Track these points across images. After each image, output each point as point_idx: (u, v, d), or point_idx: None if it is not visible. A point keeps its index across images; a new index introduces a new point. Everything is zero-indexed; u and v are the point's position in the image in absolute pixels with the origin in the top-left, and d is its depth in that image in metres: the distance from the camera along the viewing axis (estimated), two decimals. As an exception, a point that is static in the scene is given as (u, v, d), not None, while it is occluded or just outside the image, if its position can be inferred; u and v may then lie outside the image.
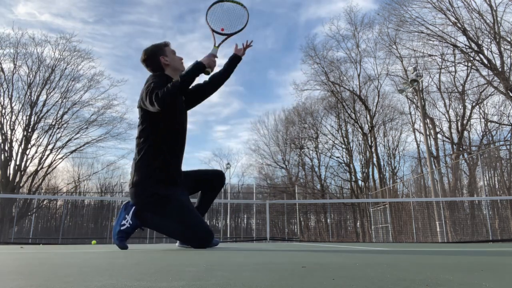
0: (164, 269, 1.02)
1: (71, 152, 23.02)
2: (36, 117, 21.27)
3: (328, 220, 19.73)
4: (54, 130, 21.84)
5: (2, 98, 20.68)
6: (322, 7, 37.40)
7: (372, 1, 37.97)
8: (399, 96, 21.65)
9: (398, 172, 24.58)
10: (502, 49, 16.52)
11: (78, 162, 26.98)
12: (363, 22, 24.59)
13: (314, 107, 26.79)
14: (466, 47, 17.67)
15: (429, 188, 16.23)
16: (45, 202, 21.89)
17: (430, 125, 20.67)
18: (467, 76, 19.18)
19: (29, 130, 20.99)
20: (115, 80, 25.26)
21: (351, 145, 25.71)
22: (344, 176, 26.09)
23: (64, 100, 22.09)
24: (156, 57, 2.71)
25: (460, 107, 20.10)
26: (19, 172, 20.45)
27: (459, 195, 15.90)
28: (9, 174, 20.12)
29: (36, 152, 21.41)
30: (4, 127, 20.57)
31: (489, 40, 16.98)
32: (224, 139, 47.47)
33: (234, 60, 2.97)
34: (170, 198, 2.54)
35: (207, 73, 2.63)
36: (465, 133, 19.98)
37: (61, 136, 22.21)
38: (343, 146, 25.89)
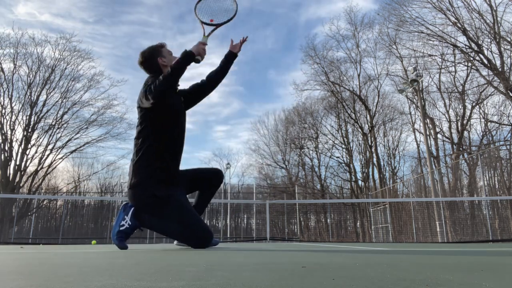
0: (164, 269, 1.02)
1: (71, 152, 23.05)
2: (36, 117, 21.29)
3: (328, 220, 19.74)
4: (54, 130, 21.87)
5: (2, 98, 20.71)
6: (322, 7, 37.42)
7: (372, 1, 37.98)
8: (399, 96, 21.67)
9: (398, 172, 24.61)
10: (502, 49, 16.53)
11: (78, 162, 27.00)
12: (363, 22, 24.61)
13: (314, 107, 26.82)
14: (466, 47, 17.68)
15: (429, 188, 16.24)
16: (45, 202, 21.89)
17: (430, 125, 20.68)
18: (467, 76, 19.21)
19: (29, 130, 21.00)
20: (115, 80, 25.27)
21: (351, 145, 25.74)
22: (344, 176, 26.13)
23: (64, 100, 22.11)
24: (154, 59, 2.71)
25: (460, 107, 20.12)
26: (19, 172, 20.45)
27: (459, 195, 15.90)
28: (9, 174, 20.12)
29: (36, 152, 21.45)
30: (4, 127, 20.59)
31: (489, 40, 17.00)
32: (224, 139, 47.48)
33: (230, 57, 2.97)
34: (170, 198, 2.53)
35: (197, 61, 2.61)
36: (465, 133, 20.00)
37: (61, 136, 22.24)
38: (343, 146, 25.91)
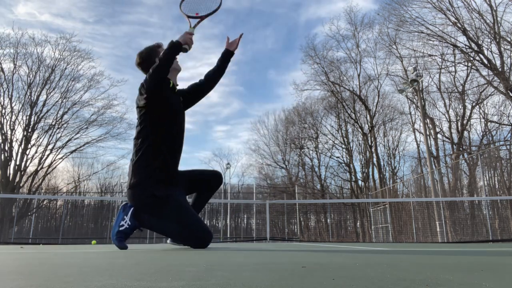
0: (164, 269, 1.02)
1: (71, 152, 23.05)
2: (36, 117, 21.29)
3: (328, 220, 19.74)
4: (54, 130, 21.87)
5: (2, 98, 20.71)
6: (322, 7, 37.44)
7: (372, 1, 37.98)
8: (399, 96, 21.67)
9: (398, 172, 24.61)
10: (502, 49, 16.53)
11: (78, 162, 27.01)
12: (363, 22, 24.63)
13: (314, 107, 26.83)
14: (466, 47, 17.68)
15: (429, 188, 16.24)
16: (45, 202, 21.89)
17: (430, 125, 20.68)
18: (467, 76, 19.22)
19: (29, 130, 21.00)
20: (115, 80, 25.26)
21: (351, 145, 25.74)
22: (344, 176, 26.13)
23: (64, 100, 22.12)
24: (151, 59, 2.70)
25: (460, 107, 20.13)
26: (19, 172, 20.45)
27: (459, 195, 15.90)
28: (9, 174, 20.12)
29: (36, 152, 21.45)
30: (4, 127, 20.59)
31: (489, 40, 17.01)
32: (224, 139, 47.50)
33: (227, 55, 2.97)
34: (169, 198, 2.53)
35: (185, 51, 2.61)
36: (465, 133, 20.00)
37: (61, 136, 22.24)
38: (343, 146, 25.91)
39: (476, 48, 17.13)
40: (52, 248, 3.88)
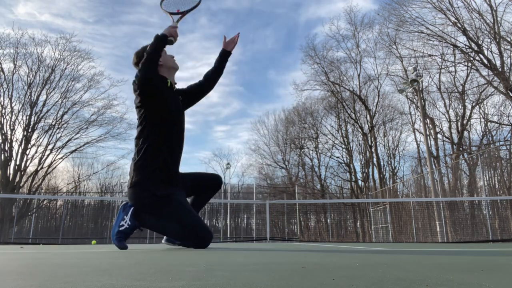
0: (164, 269, 1.02)
1: (71, 152, 23.05)
2: (36, 117, 21.28)
3: (328, 220, 19.74)
4: (54, 130, 21.86)
5: (2, 98, 20.70)
6: (322, 7, 37.46)
7: (372, 1, 38.02)
8: (399, 96, 21.67)
9: (398, 172, 24.62)
10: (502, 49, 16.52)
11: (78, 162, 27.01)
12: (363, 22, 24.63)
13: (314, 107, 26.83)
14: (466, 47, 17.67)
15: (429, 188, 16.24)
16: (45, 202, 21.88)
17: (430, 125, 20.68)
18: (467, 76, 19.21)
19: (29, 130, 21.00)
20: (115, 80, 25.32)
21: (351, 145, 25.75)
22: (344, 176, 26.14)
23: (64, 100, 22.11)
24: None
25: (460, 107, 20.12)
26: (19, 172, 20.45)
27: (459, 195, 15.89)
28: (9, 174, 20.12)
29: (36, 152, 21.44)
30: (4, 127, 20.58)
31: (489, 40, 17.00)
32: (224, 139, 47.51)
33: (224, 55, 2.99)
34: (169, 198, 2.53)
35: (171, 43, 2.68)
36: (465, 133, 20.00)
37: (61, 136, 22.23)
38: (343, 146, 25.91)
39: (476, 48, 17.13)
40: (52, 248, 3.88)
